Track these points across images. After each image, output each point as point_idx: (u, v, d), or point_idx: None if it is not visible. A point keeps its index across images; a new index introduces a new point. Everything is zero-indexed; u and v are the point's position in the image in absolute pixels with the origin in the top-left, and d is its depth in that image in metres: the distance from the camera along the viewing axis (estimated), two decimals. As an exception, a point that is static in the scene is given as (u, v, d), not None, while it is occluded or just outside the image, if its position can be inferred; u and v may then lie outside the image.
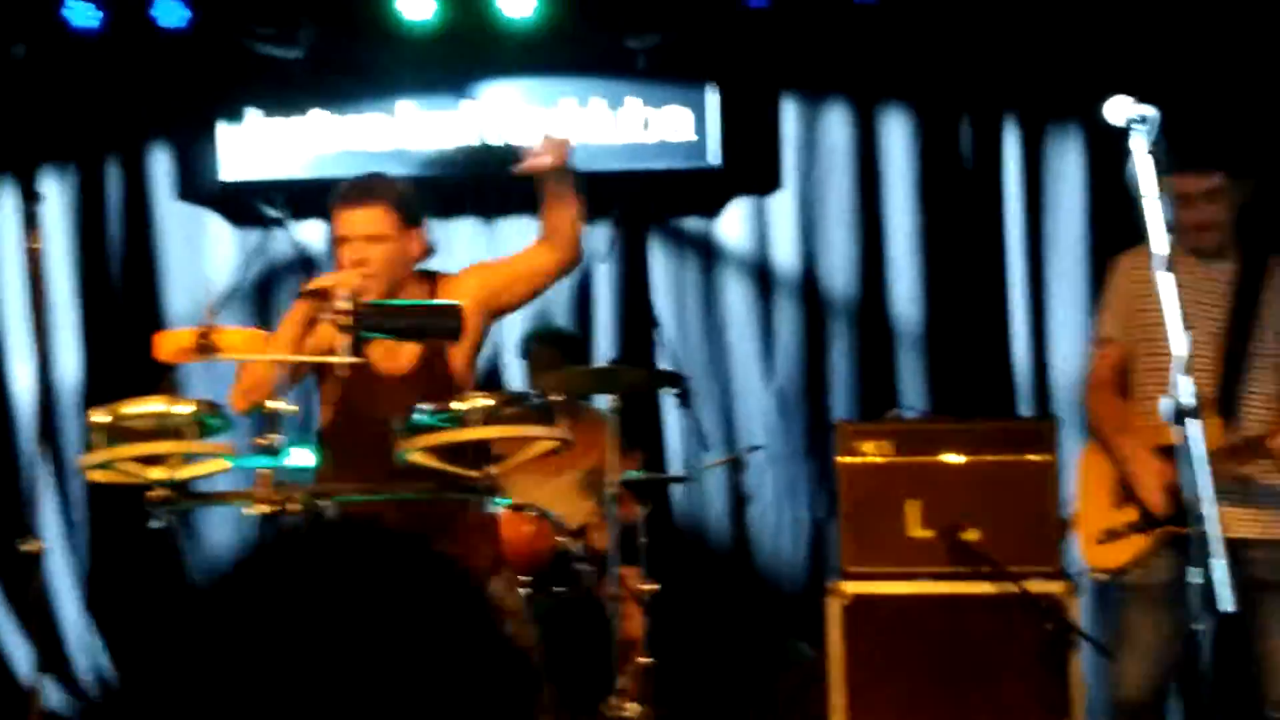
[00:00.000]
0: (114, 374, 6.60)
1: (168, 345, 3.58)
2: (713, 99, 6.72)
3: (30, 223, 4.32)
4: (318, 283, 3.84)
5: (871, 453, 5.56)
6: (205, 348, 3.55)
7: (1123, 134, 3.69)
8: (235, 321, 6.31)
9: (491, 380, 6.74)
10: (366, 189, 3.98)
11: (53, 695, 6.55)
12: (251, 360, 3.77)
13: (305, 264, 6.92)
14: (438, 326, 3.77)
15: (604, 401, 5.63)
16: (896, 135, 6.68)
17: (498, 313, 4.24)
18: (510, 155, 6.62)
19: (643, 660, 5.28)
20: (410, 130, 6.82)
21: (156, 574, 6.65)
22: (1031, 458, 5.45)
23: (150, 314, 6.81)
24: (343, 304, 3.63)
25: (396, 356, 4.00)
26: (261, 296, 6.92)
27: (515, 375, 6.67)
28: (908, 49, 6.59)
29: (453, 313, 3.73)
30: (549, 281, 4.25)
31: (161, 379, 5.03)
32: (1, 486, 6.73)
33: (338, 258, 4.00)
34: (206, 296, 4.36)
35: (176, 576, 6.73)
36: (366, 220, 3.93)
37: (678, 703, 5.68)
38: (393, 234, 3.96)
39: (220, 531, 6.80)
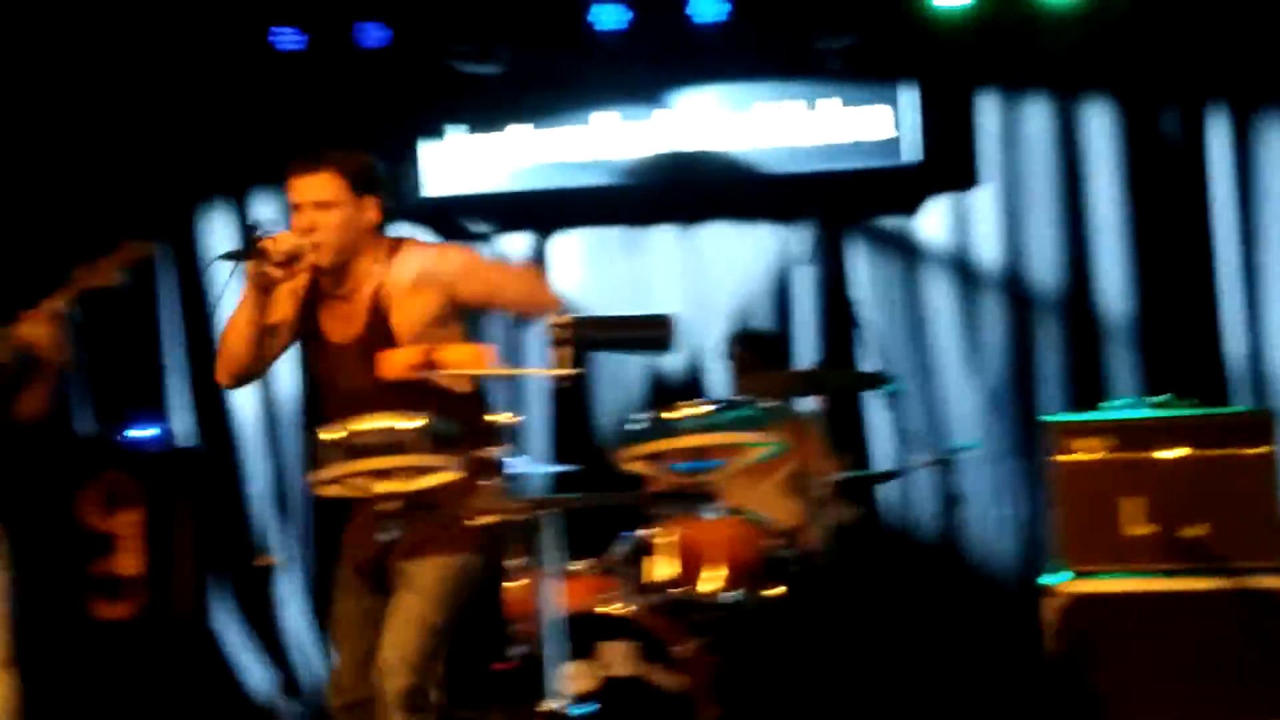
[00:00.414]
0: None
1: (391, 364, 3.67)
2: (908, 96, 6.69)
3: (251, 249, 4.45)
4: (262, 242, 3.83)
5: (1086, 449, 5.48)
6: (428, 364, 3.64)
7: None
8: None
9: (693, 385, 6.80)
10: (315, 156, 3.96)
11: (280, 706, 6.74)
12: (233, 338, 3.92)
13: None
14: (648, 338, 3.80)
15: (810, 404, 5.66)
16: (1099, 126, 6.58)
17: (459, 303, 4.12)
18: (704, 161, 6.78)
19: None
20: (607, 140, 6.91)
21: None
22: (1250, 451, 5.32)
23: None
24: (557, 319, 3.69)
25: (346, 326, 4.01)
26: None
27: (717, 378, 6.72)
28: (1108, 38, 6.49)
29: (662, 324, 3.76)
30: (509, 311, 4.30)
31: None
32: (231, 504, 6.95)
33: (291, 225, 3.98)
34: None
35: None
36: (315, 187, 3.91)
37: (887, 702, 5.68)
38: (343, 200, 3.93)
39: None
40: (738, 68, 6.85)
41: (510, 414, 3.85)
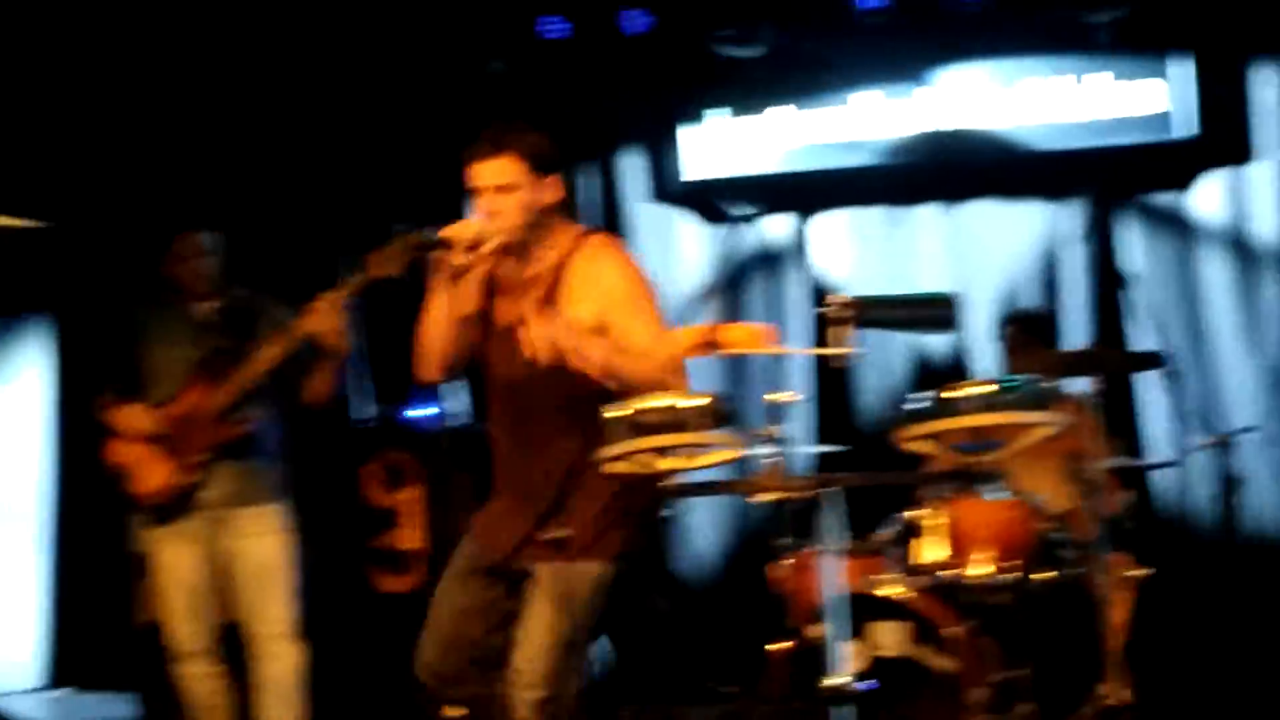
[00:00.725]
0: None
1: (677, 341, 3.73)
2: (1179, 70, 6.55)
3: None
4: (444, 231, 3.81)
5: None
6: (710, 344, 3.70)
7: None
8: (707, 318, 6.52)
9: (957, 366, 6.75)
10: (495, 140, 3.89)
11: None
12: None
13: (771, 257, 7.10)
14: (931, 317, 3.81)
15: (1083, 385, 5.57)
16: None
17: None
18: (967, 140, 6.71)
19: (1126, 648, 5.18)
20: (870, 120, 6.89)
21: (645, 564, 6.96)
22: None
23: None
24: (836, 299, 3.72)
25: (514, 310, 3.90)
26: (727, 292, 7.12)
27: (982, 359, 6.66)
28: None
29: (945, 303, 3.76)
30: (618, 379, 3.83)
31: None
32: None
33: (475, 205, 3.92)
34: (694, 292, 4.50)
35: (660, 565, 7.04)
36: (496, 171, 3.86)
37: (1165, 691, 5.56)
38: (523, 183, 3.87)
39: (702, 522, 7.04)
40: (1002, 43, 6.79)
41: (790, 392, 3.88)
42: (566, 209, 4.00)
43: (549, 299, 3.85)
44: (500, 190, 3.86)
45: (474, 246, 3.79)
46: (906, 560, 5.07)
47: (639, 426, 3.72)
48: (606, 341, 3.75)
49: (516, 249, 3.89)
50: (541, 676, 3.70)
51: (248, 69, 6.93)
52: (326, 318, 4.86)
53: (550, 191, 3.94)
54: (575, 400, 3.76)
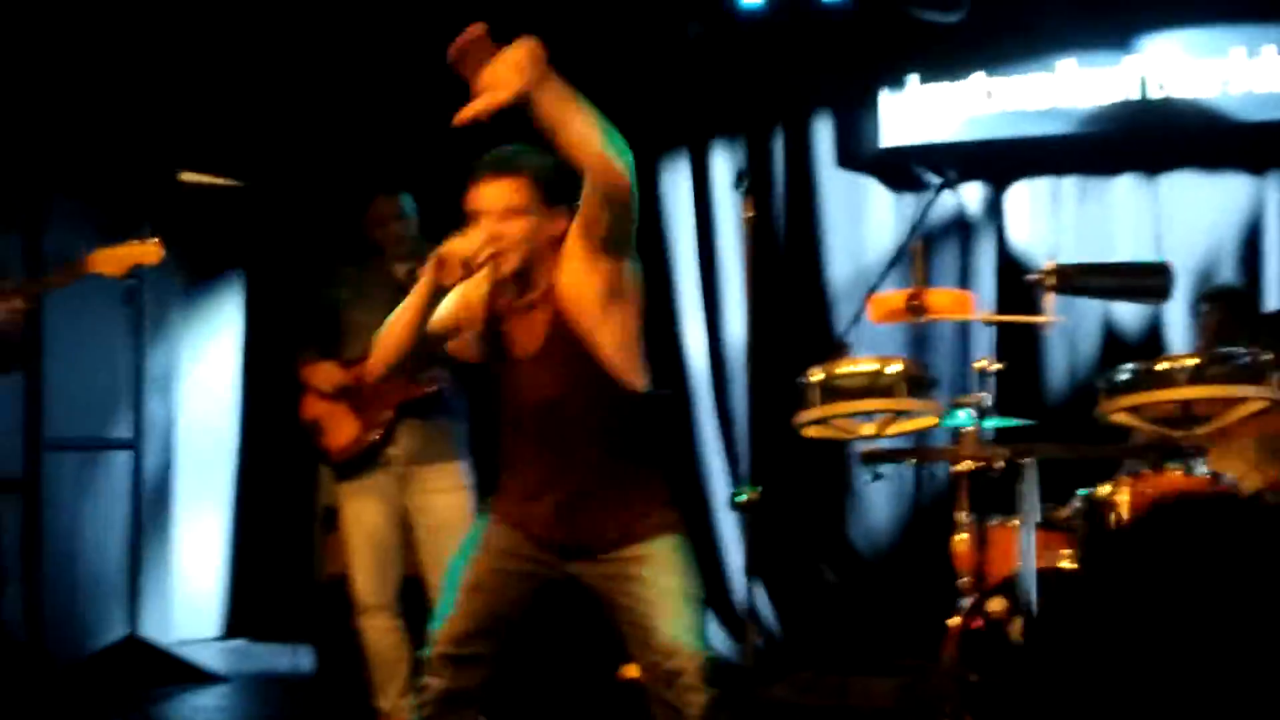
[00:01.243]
0: (780, 338, 6.89)
1: (880, 307, 3.69)
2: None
3: (745, 193, 4.53)
4: (444, 248, 3.61)
5: None
6: (916, 309, 3.65)
7: None
8: (896, 286, 6.44)
9: (1150, 340, 6.58)
10: (506, 162, 3.69)
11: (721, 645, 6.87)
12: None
13: (964, 226, 6.99)
14: (1146, 286, 3.71)
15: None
16: None
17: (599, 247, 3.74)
18: (1172, 109, 6.53)
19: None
20: (1070, 88, 6.73)
21: (816, 531, 6.92)
22: None
23: (812, 279, 7.07)
24: (1048, 265, 3.63)
25: (528, 340, 3.76)
26: (924, 261, 7.00)
27: (1175, 333, 6.49)
28: None
29: (1160, 271, 3.67)
30: (603, 215, 3.63)
31: (834, 342, 5.24)
32: (680, 446, 7.12)
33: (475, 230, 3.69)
34: (912, 259, 4.40)
35: (839, 535, 6.98)
36: (503, 194, 3.65)
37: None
38: (531, 209, 3.67)
39: (879, 493, 6.98)
40: (1210, 11, 6.57)
41: (989, 360, 3.81)
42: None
43: (558, 322, 3.69)
44: (507, 214, 3.67)
45: (466, 268, 3.60)
46: (1090, 535, 4.95)
47: (837, 391, 3.70)
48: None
49: (516, 278, 3.71)
50: (698, 640, 3.62)
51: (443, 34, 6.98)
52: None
53: (559, 221, 3.72)
54: (606, 410, 3.68)
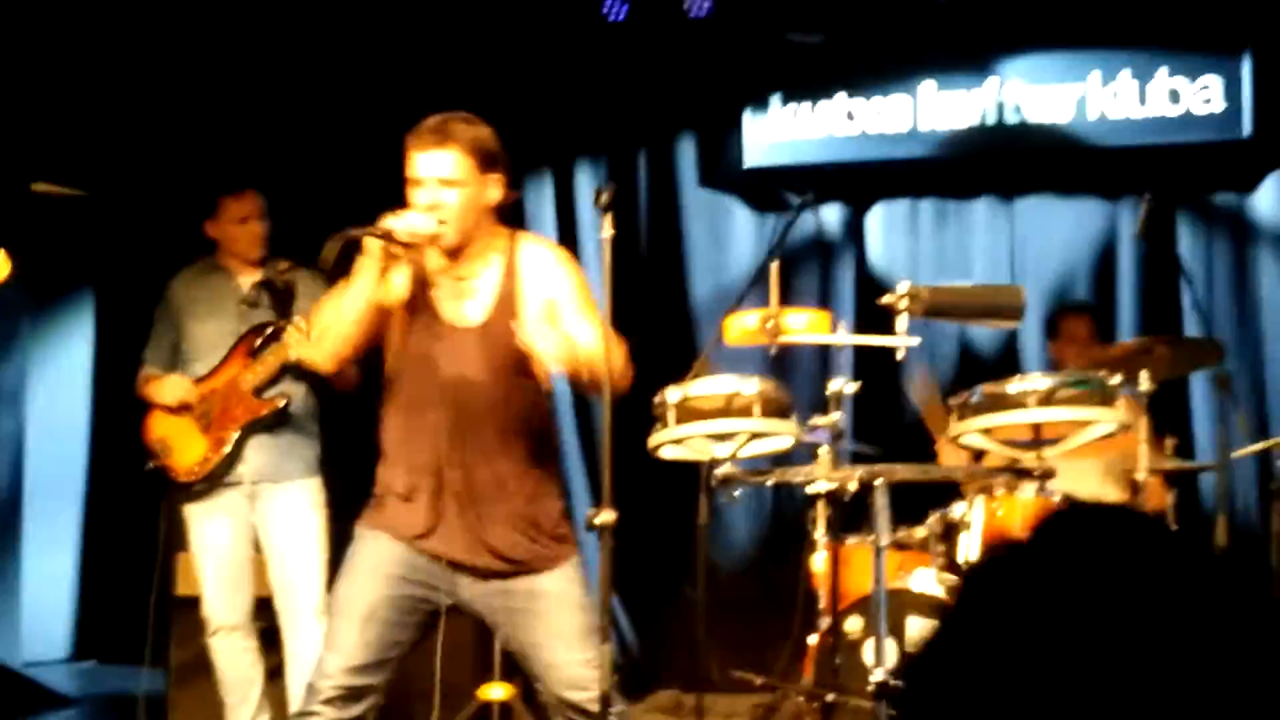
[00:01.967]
0: (643, 356, 6.85)
1: (735, 328, 3.68)
2: (1247, 68, 6.42)
3: (605, 211, 4.50)
4: (386, 221, 3.62)
5: None
6: (771, 330, 3.64)
7: None
8: (757, 306, 6.46)
9: (1006, 360, 6.66)
10: (442, 131, 3.71)
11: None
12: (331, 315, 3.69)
13: (824, 247, 7.03)
14: (1000, 308, 3.74)
15: (1135, 385, 5.48)
16: None
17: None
18: (1028, 133, 6.62)
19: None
20: (930, 111, 6.80)
21: (678, 553, 6.91)
22: None
23: (676, 298, 7.07)
24: (902, 288, 3.65)
25: (464, 310, 3.76)
26: (782, 280, 7.04)
27: (1031, 354, 6.58)
28: None
29: (1014, 294, 3.70)
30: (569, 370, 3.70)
31: (696, 359, 5.23)
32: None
33: (408, 199, 3.72)
34: (769, 278, 4.40)
35: (700, 554, 6.96)
36: (441, 163, 3.67)
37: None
38: (468, 179, 3.69)
39: (737, 512, 6.98)
40: (1066, 36, 6.68)
41: (848, 380, 3.82)
42: (501, 212, 3.82)
43: (506, 302, 3.72)
44: (444, 184, 3.68)
45: (412, 241, 3.61)
46: (949, 556, 5.00)
47: (694, 411, 3.68)
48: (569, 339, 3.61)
49: (453, 247, 3.71)
50: (598, 673, 3.57)
51: (282, 34, 6.89)
52: (305, 342, 4.83)
53: (493, 189, 3.76)
54: (525, 404, 3.68)
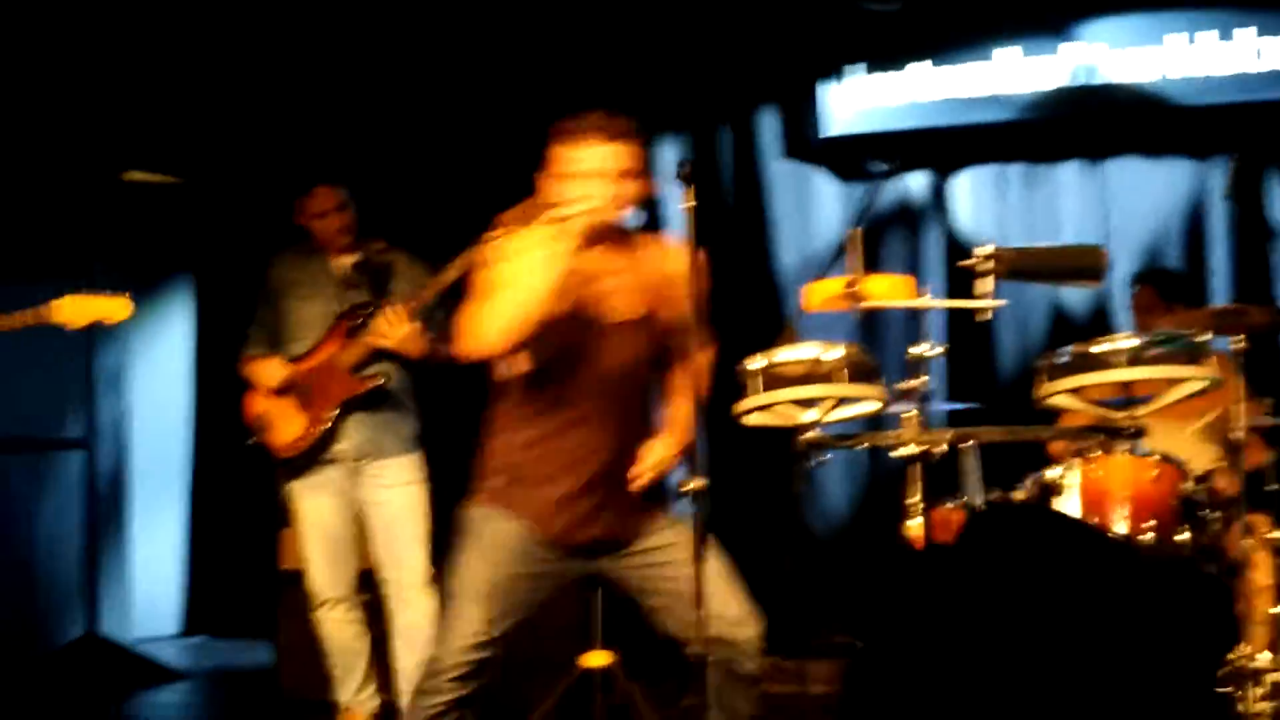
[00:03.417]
0: (731, 326, 6.90)
1: (817, 294, 3.72)
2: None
3: (687, 184, 4.55)
4: (568, 210, 3.66)
5: None
6: (853, 295, 3.67)
7: None
8: (842, 273, 6.49)
9: (1098, 323, 6.64)
10: (624, 125, 3.78)
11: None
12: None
13: (908, 214, 7.04)
14: (1080, 269, 3.75)
15: (1227, 344, 5.45)
16: None
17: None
18: (1112, 94, 6.58)
19: (1274, 610, 5.07)
20: (1010, 75, 6.78)
21: (773, 518, 6.96)
22: None
23: (761, 269, 7.11)
24: (985, 250, 3.67)
25: (623, 303, 3.81)
26: (866, 247, 7.05)
27: (1123, 317, 6.55)
28: None
29: (1094, 254, 3.71)
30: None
31: (783, 328, 5.27)
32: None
33: (572, 191, 3.72)
34: (832, 247, 4.46)
35: (796, 521, 7.02)
36: (622, 155, 3.74)
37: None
38: (639, 172, 3.80)
39: (834, 477, 7.03)
40: (1147, -1, 6.65)
41: (931, 345, 3.84)
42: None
43: (656, 294, 3.81)
44: (622, 175, 3.75)
45: (595, 231, 3.68)
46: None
47: (778, 378, 3.73)
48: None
49: (618, 238, 3.80)
50: (754, 613, 3.72)
51: (388, 24, 6.98)
52: (394, 329, 4.92)
53: (647, 186, 3.85)
54: (650, 387, 3.80)
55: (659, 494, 3.80)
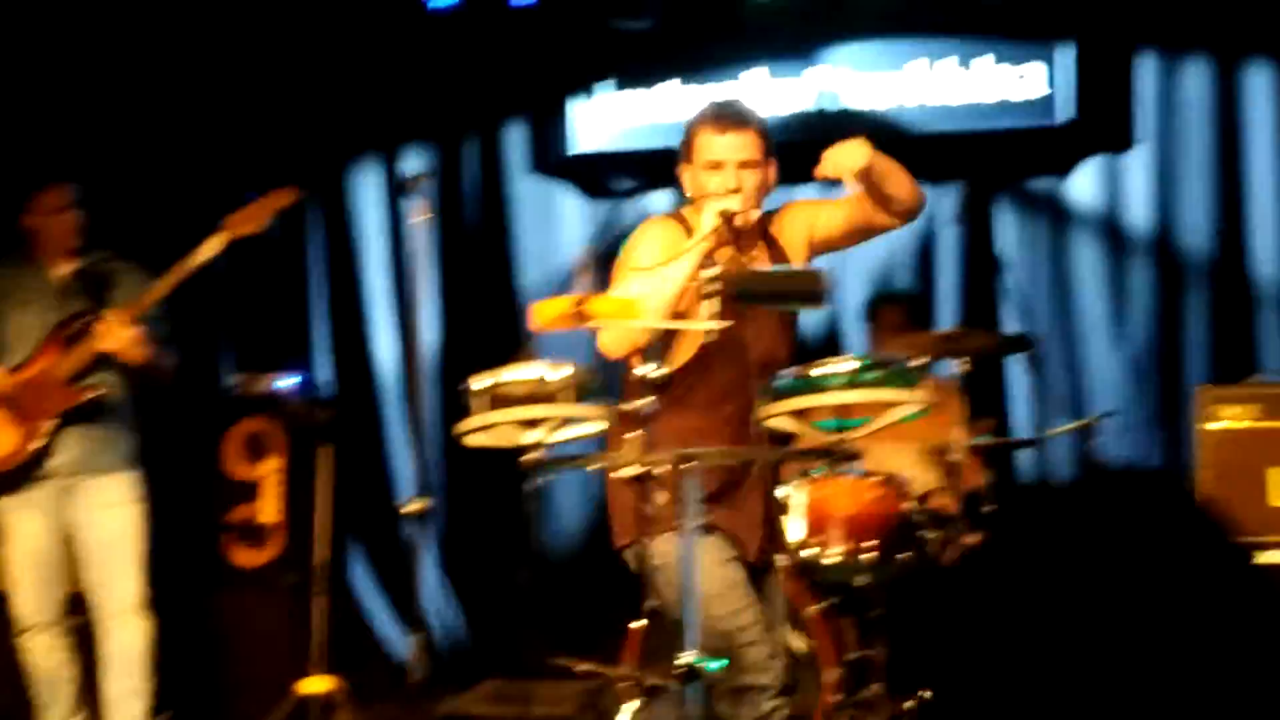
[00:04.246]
0: (471, 343, 6.87)
1: (543, 313, 3.66)
2: (1065, 55, 6.56)
3: (413, 198, 4.51)
4: (725, 206, 3.72)
5: (1233, 417, 5.39)
6: (580, 315, 3.62)
7: None
8: (587, 291, 6.46)
9: (831, 344, 6.74)
10: (743, 114, 3.87)
11: (406, 655, 6.81)
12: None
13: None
14: (802, 292, 3.77)
15: (950, 367, 5.59)
16: (1259, 91, 6.39)
17: (820, 254, 4.15)
18: (851, 120, 6.69)
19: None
20: (757, 98, 6.82)
21: (511, 538, 6.90)
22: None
23: (504, 284, 7.05)
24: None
25: (761, 334, 3.92)
26: (610, 267, 7.07)
27: (855, 338, 6.66)
28: (1271, 1, 6.30)
29: (815, 278, 3.72)
30: (874, 235, 4.16)
31: (520, 347, 5.22)
32: (368, 453, 7.04)
33: (699, 182, 3.87)
34: (572, 264, 4.44)
35: (529, 540, 6.97)
36: (743, 145, 3.83)
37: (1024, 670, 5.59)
38: (761, 161, 3.88)
39: (569, 496, 7.00)
40: (891, 24, 6.76)
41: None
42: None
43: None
44: (745, 165, 3.81)
45: (744, 223, 3.75)
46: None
47: (502, 398, 3.67)
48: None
49: (748, 228, 3.86)
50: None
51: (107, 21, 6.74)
52: (119, 331, 4.78)
53: (773, 175, 3.93)
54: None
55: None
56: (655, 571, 3.78)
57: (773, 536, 4.02)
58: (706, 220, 3.72)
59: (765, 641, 3.84)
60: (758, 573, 3.98)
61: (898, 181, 3.95)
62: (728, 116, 3.84)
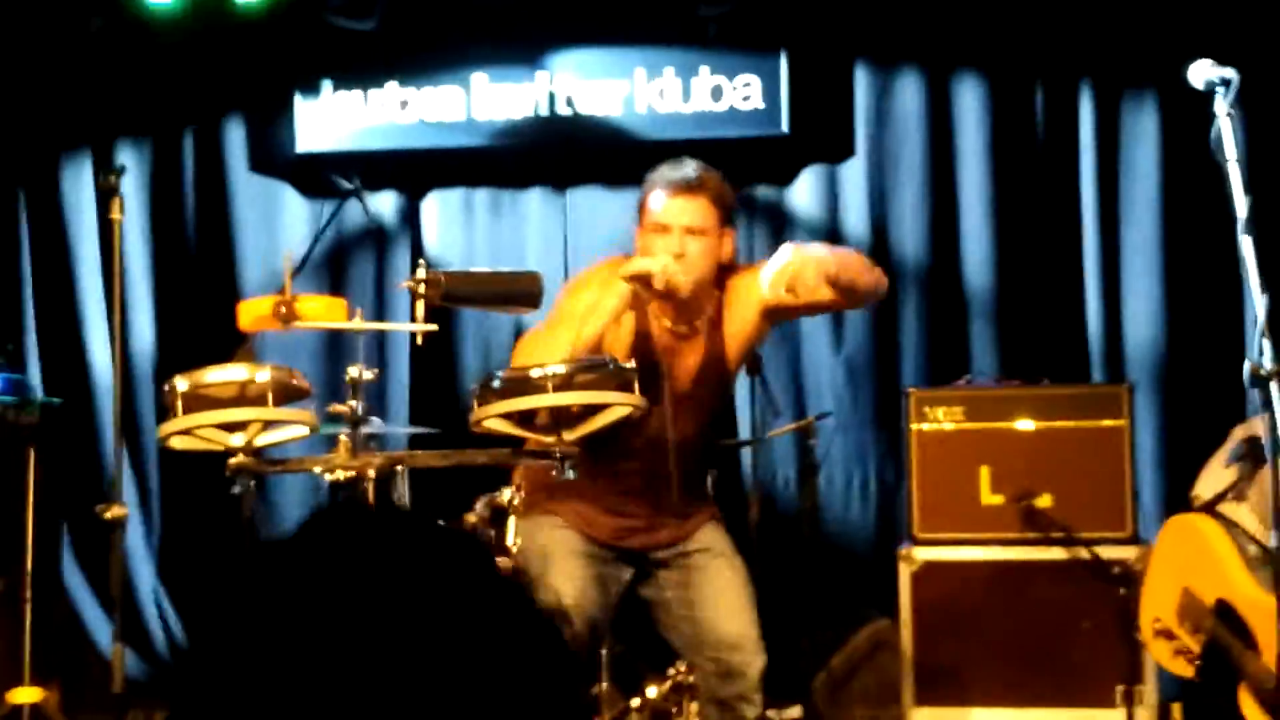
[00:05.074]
0: (189, 344, 6.70)
1: (248, 314, 3.61)
2: (784, 66, 6.70)
3: (110, 195, 4.38)
4: (639, 267, 3.72)
5: (942, 419, 5.58)
6: (285, 316, 3.58)
7: (1201, 100, 3.67)
8: (309, 292, 6.37)
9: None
10: (696, 180, 3.85)
11: (129, 662, 6.64)
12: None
13: (376, 234, 6.99)
14: (515, 294, 3.78)
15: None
16: (969, 103, 6.62)
17: (779, 321, 4.22)
18: (579, 125, 6.73)
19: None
20: (481, 101, 6.83)
21: (228, 542, 6.76)
22: (1105, 423, 5.46)
23: (225, 284, 6.89)
24: (420, 273, 3.64)
25: (684, 368, 3.91)
26: (333, 267, 7.00)
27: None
28: (981, 16, 6.54)
29: (529, 280, 3.74)
30: (835, 308, 4.26)
31: (237, 348, 5.12)
32: (81, 456, 6.83)
33: (646, 244, 3.88)
34: (283, 266, 4.36)
35: (248, 544, 6.83)
36: (692, 212, 3.80)
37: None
38: (712, 230, 3.83)
39: (291, 498, 6.90)
40: (613, 32, 6.82)
41: (364, 367, 3.78)
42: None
43: (715, 360, 3.96)
44: (692, 232, 3.74)
45: (667, 287, 3.66)
46: (497, 542, 5.03)
47: (203, 400, 3.59)
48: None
49: (690, 302, 3.78)
50: (760, 643, 3.78)
51: None
52: None
53: (727, 247, 3.86)
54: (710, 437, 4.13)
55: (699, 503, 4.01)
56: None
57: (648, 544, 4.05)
58: (620, 280, 3.72)
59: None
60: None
61: (861, 276, 4.00)
62: (679, 181, 3.83)
